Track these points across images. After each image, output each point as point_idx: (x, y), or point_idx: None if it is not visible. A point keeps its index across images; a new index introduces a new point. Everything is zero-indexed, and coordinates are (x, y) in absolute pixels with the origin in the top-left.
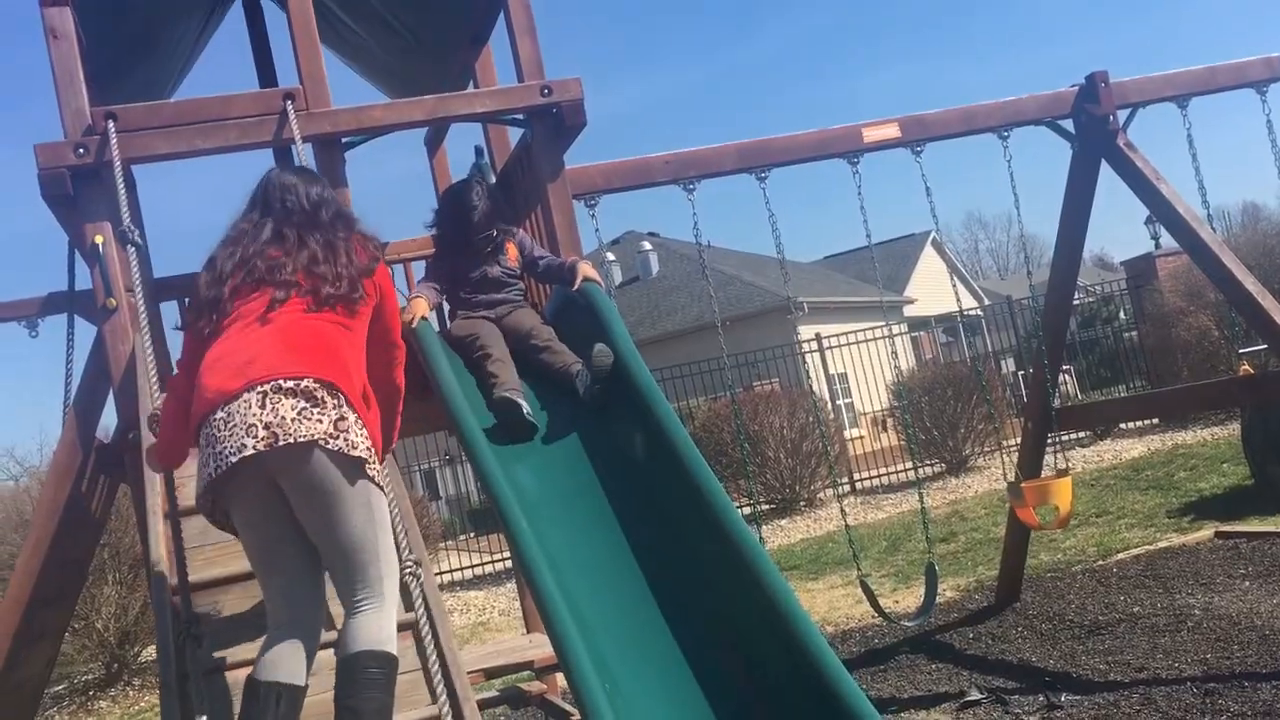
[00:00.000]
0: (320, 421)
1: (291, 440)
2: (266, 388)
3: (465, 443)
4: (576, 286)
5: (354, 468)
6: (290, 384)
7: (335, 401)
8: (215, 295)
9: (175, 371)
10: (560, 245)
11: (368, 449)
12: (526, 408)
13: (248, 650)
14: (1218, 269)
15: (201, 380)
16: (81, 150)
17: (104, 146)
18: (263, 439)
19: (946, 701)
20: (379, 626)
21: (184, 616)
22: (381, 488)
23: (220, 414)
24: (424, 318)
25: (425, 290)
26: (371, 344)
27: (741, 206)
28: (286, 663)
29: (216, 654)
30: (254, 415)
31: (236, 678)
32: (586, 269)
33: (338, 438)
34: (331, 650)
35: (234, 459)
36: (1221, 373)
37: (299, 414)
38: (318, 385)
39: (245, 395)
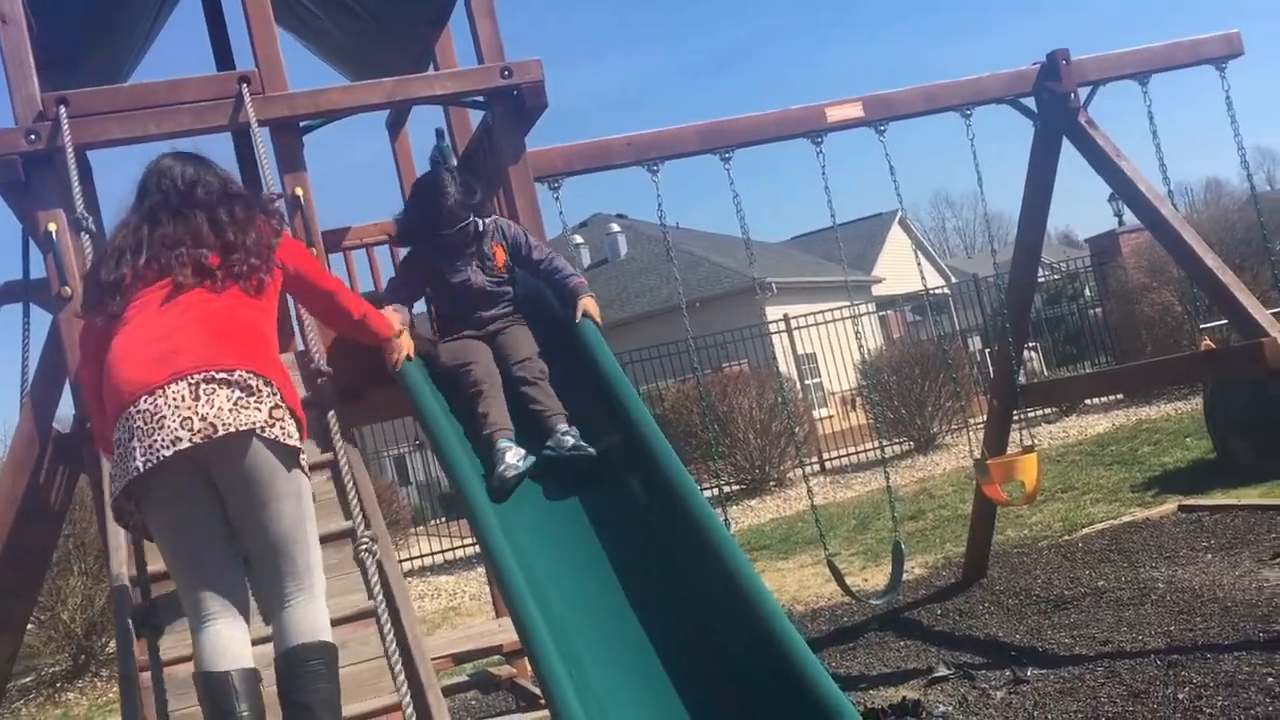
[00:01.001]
0: (258, 410)
1: (232, 430)
2: (198, 379)
3: (430, 432)
4: (577, 320)
5: (289, 456)
6: (223, 375)
7: (269, 390)
8: (117, 279)
9: (80, 364)
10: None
11: (298, 439)
12: (520, 467)
13: None
14: (1178, 246)
15: (117, 372)
16: (33, 136)
17: (56, 132)
18: (199, 430)
19: (915, 678)
20: (313, 616)
21: (143, 607)
22: (309, 476)
23: (145, 405)
24: (410, 358)
25: (398, 311)
26: (312, 306)
27: (710, 188)
28: (235, 648)
29: (178, 644)
30: (187, 407)
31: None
32: (589, 304)
33: (273, 426)
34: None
35: (168, 452)
36: (1184, 348)
37: (235, 404)
38: (251, 375)
39: (173, 387)
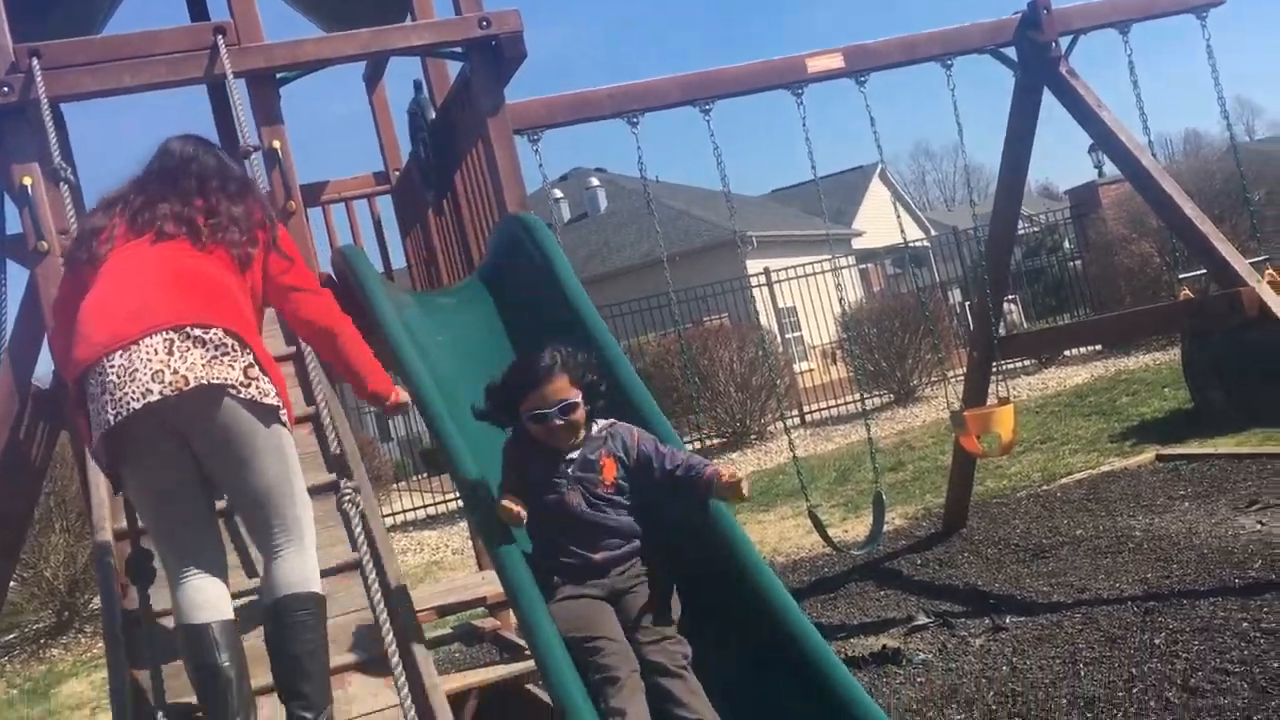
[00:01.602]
0: (231, 369)
1: (205, 382)
2: (173, 335)
3: (413, 387)
4: (713, 498)
5: (267, 414)
6: (198, 332)
7: (244, 350)
8: (98, 226)
9: (54, 303)
10: (504, 181)
11: (277, 396)
12: None
13: None
14: (1158, 195)
15: (89, 324)
16: (5, 89)
17: (29, 84)
18: (170, 383)
19: (895, 626)
20: (300, 567)
21: (135, 555)
22: (289, 431)
23: (119, 360)
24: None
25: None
26: (300, 311)
27: (690, 141)
28: (213, 600)
29: (167, 595)
30: (160, 361)
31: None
32: (733, 474)
33: (249, 385)
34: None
35: (138, 404)
36: (1163, 299)
37: (209, 361)
38: (226, 334)
39: (148, 340)
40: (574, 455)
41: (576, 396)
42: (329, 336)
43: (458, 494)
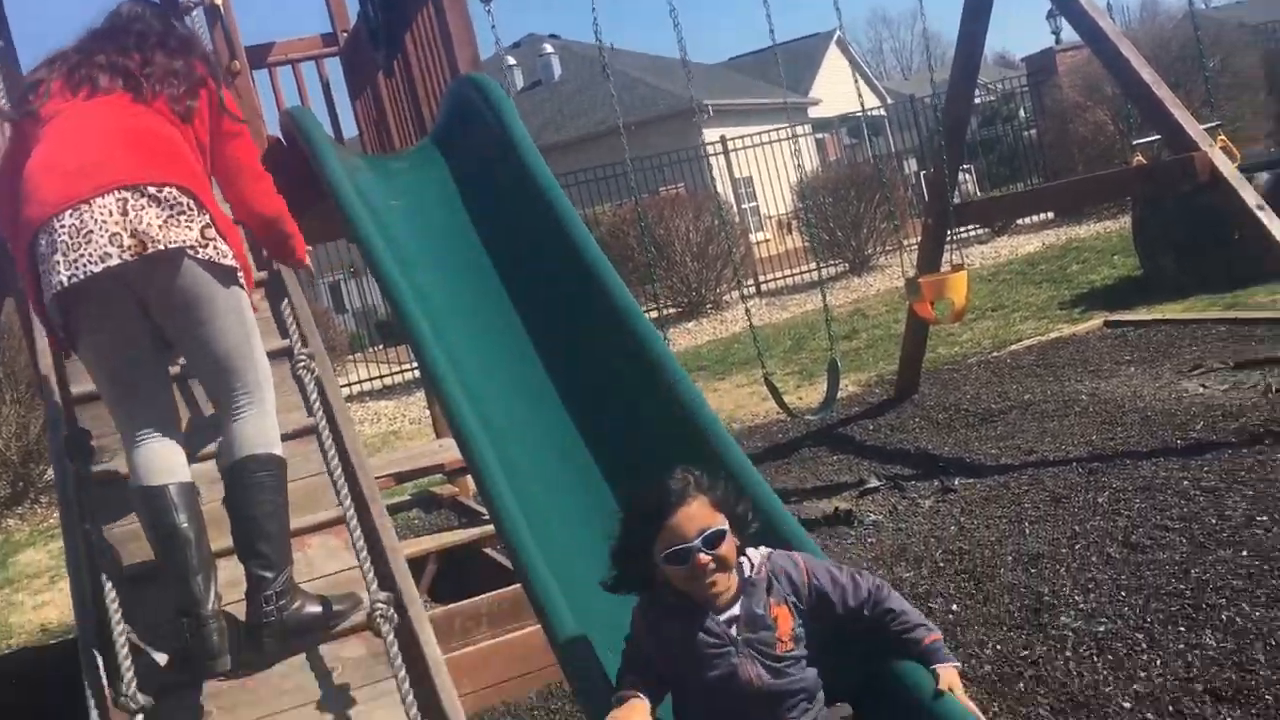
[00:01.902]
0: (189, 229)
1: (162, 247)
2: (127, 194)
3: (367, 253)
4: (939, 689)
5: (226, 275)
6: (152, 190)
7: (199, 209)
8: (36, 79)
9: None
10: (455, 42)
11: (235, 258)
12: None
13: None
14: (1115, 59)
15: (36, 183)
16: None
17: None
18: (129, 248)
19: (847, 489)
20: (260, 429)
21: (70, 434)
22: (247, 292)
23: (69, 220)
24: None
25: (639, 699)
26: (237, 180)
27: (646, 4)
28: (170, 463)
29: (111, 464)
30: (115, 223)
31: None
32: (954, 680)
33: (207, 246)
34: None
35: (96, 268)
36: (1116, 167)
37: (165, 222)
38: (180, 193)
39: (100, 200)
40: (735, 611)
41: (722, 523)
42: (265, 221)
43: (414, 365)
